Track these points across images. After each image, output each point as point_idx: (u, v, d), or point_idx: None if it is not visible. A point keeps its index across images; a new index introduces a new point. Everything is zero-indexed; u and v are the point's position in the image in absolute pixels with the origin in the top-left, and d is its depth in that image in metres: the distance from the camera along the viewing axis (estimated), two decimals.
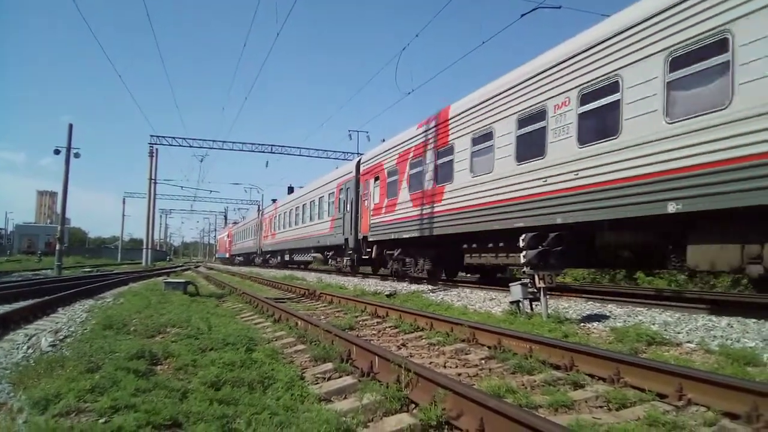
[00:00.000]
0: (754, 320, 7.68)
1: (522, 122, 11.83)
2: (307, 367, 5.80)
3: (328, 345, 6.39)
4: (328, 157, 49.30)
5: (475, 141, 13.53)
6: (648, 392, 4.50)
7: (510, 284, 9.56)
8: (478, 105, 13.41)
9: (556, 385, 4.94)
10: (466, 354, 6.54)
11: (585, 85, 10.07)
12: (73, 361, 5.31)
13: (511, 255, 12.62)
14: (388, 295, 13.99)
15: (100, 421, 3.68)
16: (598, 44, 9.78)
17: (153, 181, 50.59)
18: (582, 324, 8.41)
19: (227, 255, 71.08)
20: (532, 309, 9.20)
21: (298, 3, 16.58)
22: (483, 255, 14.10)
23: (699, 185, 7.95)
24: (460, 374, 5.46)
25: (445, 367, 5.86)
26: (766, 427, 3.67)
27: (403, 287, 16.58)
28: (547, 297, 9.05)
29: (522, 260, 9.30)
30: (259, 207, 53.86)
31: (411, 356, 6.24)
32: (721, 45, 7.74)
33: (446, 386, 3.99)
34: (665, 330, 7.37)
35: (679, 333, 7.20)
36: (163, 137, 47.25)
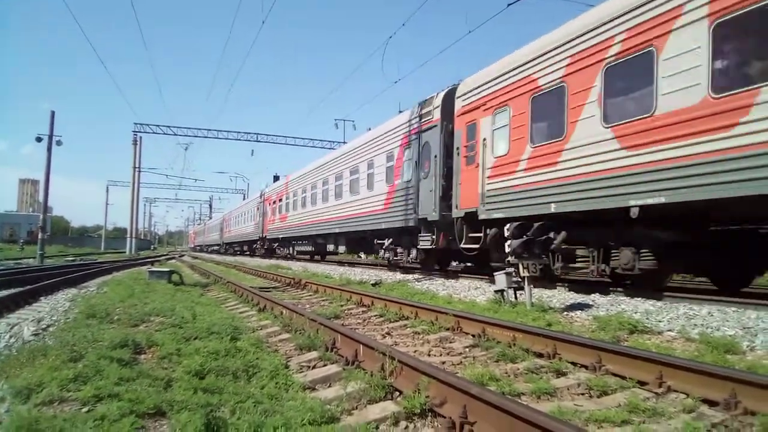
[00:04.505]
0: (734, 309, 7.81)
1: None
2: (291, 355, 5.81)
3: (313, 334, 6.39)
4: (314, 146, 49.31)
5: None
6: (629, 380, 4.56)
7: (495, 273, 9.63)
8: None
9: (539, 373, 4.99)
10: (451, 342, 6.59)
11: None
12: (56, 350, 5.27)
13: None
14: (373, 284, 14.02)
15: (84, 410, 3.67)
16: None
17: (137, 169, 50.12)
18: (565, 313, 8.50)
19: (193, 245, 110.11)
20: (516, 298, 9.27)
21: None
22: None
23: None
24: (444, 362, 5.49)
25: (429, 355, 5.90)
26: (743, 414, 3.74)
27: (389, 276, 16.63)
28: (531, 286, 9.12)
29: (507, 249, 9.35)
30: (204, 221, 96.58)
31: (396, 345, 6.26)
32: None
33: (430, 374, 4.01)
34: (647, 318, 7.47)
35: (660, 321, 7.30)
36: (147, 125, 46.93)
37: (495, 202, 12.36)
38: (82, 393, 3.93)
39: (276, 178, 43.07)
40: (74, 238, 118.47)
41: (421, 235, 16.11)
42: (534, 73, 11.25)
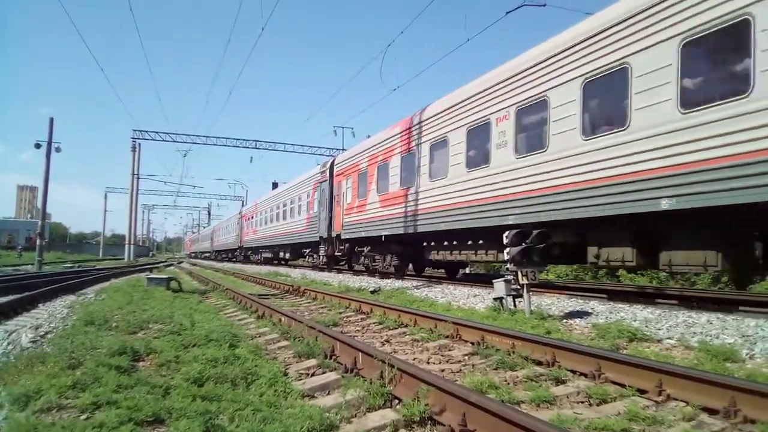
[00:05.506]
0: (733, 317, 7.81)
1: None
2: (290, 363, 5.79)
3: (312, 341, 6.38)
4: (313, 153, 49.31)
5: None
6: (628, 388, 4.56)
7: (494, 281, 9.62)
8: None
9: (538, 381, 4.98)
10: (450, 350, 6.58)
11: None
12: (54, 357, 5.25)
13: None
14: (372, 292, 14.01)
15: (82, 417, 3.65)
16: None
17: (135, 176, 50.12)
18: (564, 320, 8.49)
19: (189, 252, 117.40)
20: (515, 305, 9.26)
21: None
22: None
23: None
24: (443, 370, 5.48)
25: (428, 363, 5.89)
26: (743, 422, 3.73)
27: (387, 284, 16.61)
28: (530, 293, 9.11)
29: (506, 257, 9.35)
30: (199, 231, 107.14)
31: (395, 352, 6.25)
32: None
33: (429, 382, 4.01)
34: (646, 326, 7.46)
35: (659, 329, 7.29)
36: (146, 132, 46.92)
37: (347, 229, 21.55)
38: (80, 400, 3.92)
39: (275, 185, 43.35)
40: (72, 244, 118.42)
41: (321, 246, 25.58)
42: (359, 161, 20.60)
